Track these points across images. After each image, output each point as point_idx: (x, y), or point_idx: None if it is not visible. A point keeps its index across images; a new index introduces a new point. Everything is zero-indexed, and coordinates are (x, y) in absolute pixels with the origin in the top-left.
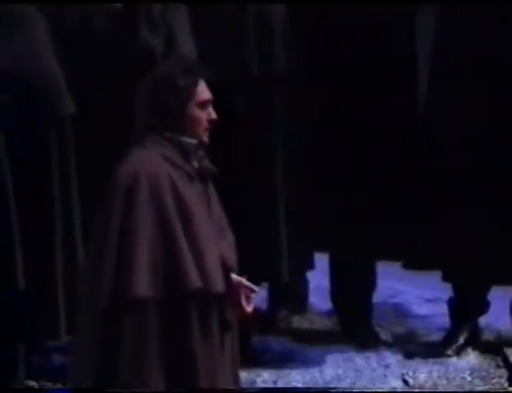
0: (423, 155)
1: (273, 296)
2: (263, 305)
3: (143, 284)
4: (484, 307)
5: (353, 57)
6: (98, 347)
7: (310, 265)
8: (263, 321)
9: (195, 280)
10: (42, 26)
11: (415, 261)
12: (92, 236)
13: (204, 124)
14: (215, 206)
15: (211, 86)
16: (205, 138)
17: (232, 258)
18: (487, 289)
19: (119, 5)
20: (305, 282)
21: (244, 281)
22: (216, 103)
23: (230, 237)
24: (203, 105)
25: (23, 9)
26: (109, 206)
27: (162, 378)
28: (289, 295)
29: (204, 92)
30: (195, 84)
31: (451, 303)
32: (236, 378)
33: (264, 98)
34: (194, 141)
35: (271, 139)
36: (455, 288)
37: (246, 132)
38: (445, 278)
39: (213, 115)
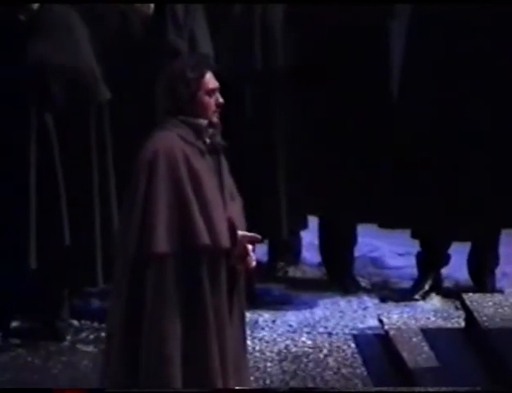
0: (394, 125)
1: (272, 250)
2: (264, 258)
3: (162, 241)
4: (445, 259)
5: (351, 54)
6: (126, 295)
7: (304, 225)
8: (264, 271)
9: (204, 237)
10: (82, 26)
11: (388, 221)
12: (124, 201)
13: (212, 108)
14: (226, 175)
15: (218, 77)
16: (214, 119)
17: (241, 219)
18: (447, 244)
19: (150, 10)
20: (299, 239)
21: (247, 233)
22: (225, 93)
23: (239, 201)
24: (210, 92)
25: (65, 11)
26: (135, 177)
27: (178, 324)
28: (286, 249)
29: (210, 81)
30: (202, 76)
31: (419, 256)
32: (242, 321)
33: (266, 88)
34: (204, 122)
35: (273, 115)
36: (422, 244)
37: (251, 111)
38: (413, 235)
39: (220, 100)
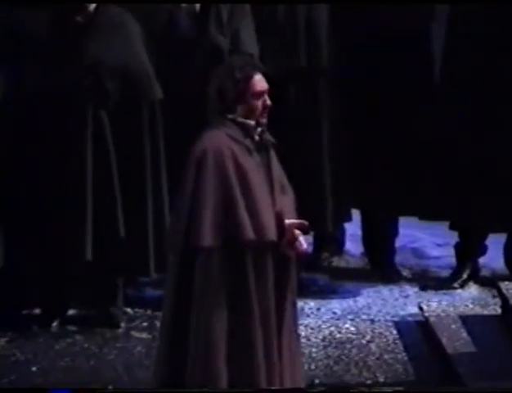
0: (434, 123)
1: (317, 241)
2: (309, 249)
3: (208, 235)
4: (483, 250)
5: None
6: (174, 286)
7: (348, 217)
8: (309, 261)
9: (248, 232)
10: (135, 26)
11: (428, 214)
12: (176, 196)
13: (259, 109)
14: (276, 170)
15: (268, 78)
16: (262, 120)
17: (292, 211)
18: (484, 236)
19: (196, 7)
20: (343, 230)
21: (294, 221)
22: (272, 91)
23: (290, 193)
24: (258, 94)
25: (119, 12)
26: (185, 174)
27: (225, 316)
28: (330, 240)
29: (258, 83)
30: (250, 77)
31: (457, 247)
32: (294, 309)
33: (311, 87)
34: (252, 122)
35: (317, 113)
36: (460, 235)
37: (296, 111)
38: (452, 227)
39: (268, 102)
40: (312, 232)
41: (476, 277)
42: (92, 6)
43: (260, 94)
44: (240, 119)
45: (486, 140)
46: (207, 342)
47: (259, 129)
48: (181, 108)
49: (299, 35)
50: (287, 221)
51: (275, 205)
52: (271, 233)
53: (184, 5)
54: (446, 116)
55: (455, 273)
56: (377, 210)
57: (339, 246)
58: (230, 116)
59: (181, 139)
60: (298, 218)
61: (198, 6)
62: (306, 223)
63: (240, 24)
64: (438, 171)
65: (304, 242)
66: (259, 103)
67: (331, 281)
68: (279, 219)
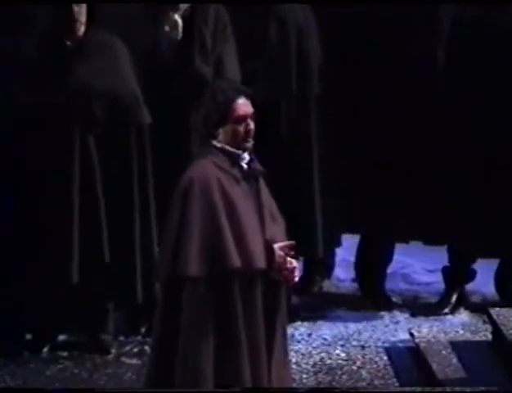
0: (432, 152)
1: (308, 266)
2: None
3: (194, 265)
4: (471, 275)
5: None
6: (161, 315)
7: (338, 243)
8: (301, 285)
9: (235, 261)
10: (124, 50)
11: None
12: (164, 226)
13: (242, 134)
14: (266, 199)
15: (255, 102)
16: (246, 146)
17: (283, 238)
18: (472, 260)
19: (179, 35)
20: (333, 255)
21: (281, 243)
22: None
23: (281, 222)
24: (240, 118)
25: (108, 36)
26: (172, 204)
27: (212, 345)
28: (321, 264)
29: (241, 107)
30: (232, 100)
31: (445, 271)
32: (284, 335)
33: (302, 113)
34: (238, 151)
35: (309, 143)
36: (449, 259)
37: (287, 135)
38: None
39: (250, 127)
40: (302, 257)
41: (465, 303)
42: (82, 29)
43: (243, 118)
44: (227, 148)
45: (480, 166)
46: (194, 369)
47: (247, 158)
48: (165, 136)
49: (291, 61)
50: (276, 245)
51: (265, 233)
52: (260, 261)
53: (167, 29)
54: (447, 145)
55: (444, 298)
56: (376, 234)
57: (328, 270)
58: (217, 145)
59: (166, 166)
60: None
61: (180, 32)
62: (293, 243)
63: (224, 50)
64: (435, 196)
65: (296, 264)
66: (240, 128)
67: (322, 307)
68: (269, 246)
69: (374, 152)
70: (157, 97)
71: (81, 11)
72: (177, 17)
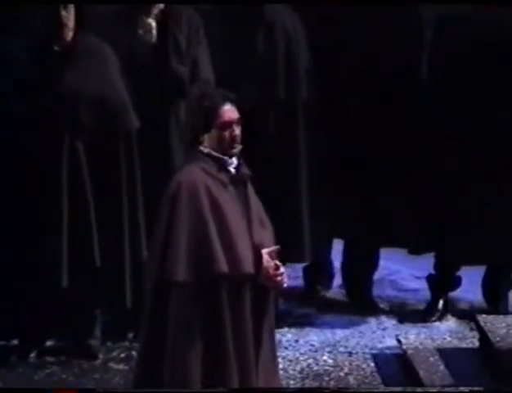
0: (413, 159)
1: (308, 276)
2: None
3: (181, 270)
4: (456, 282)
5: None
6: (148, 319)
7: (327, 248)
8: (303, 294)
9: (222, 266)
10: (113, 56)
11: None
12: (152, 231)
13: (227, 140)
14: (254, 203)
15: (242, 108)
16: (233, 152)
17: (271, 243)
18: (457, 268)
19: (153, 38)
20: (331, 264)
21: (270, 248)
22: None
23: (269, 227)
24: (225, 124)
25: (99, 45)
26: (160, 209)
27: (199, 349)
28: (321, 274)
29: (226, 113)
30: (218, 106)
31: (430, 278)
32: (272, 341)
33: (289, 118)
34: (225, 157)
35: (296, 148)
36: (434, 267)
37: (275, 139)
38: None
39: (235, 133)
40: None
41: (452, 310)
42: (70, 34)
43: (228, 124)
44: (214, 154)
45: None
46: (182, 374)
47: (235, 162)
48: (147, 139)
49: (278, 66)
50: (264, 250)
51: (253, 237)
52: (248, 266)
53: (141, 33)
54: (431, 151)
55: (431, 306)
56: (358, 239)
57: (329, 279)
58: (204, 150)
59: (153, 171)
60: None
61: (155, 35)
62: (279, 247)
63: (198, 51)
64: (421, 208)
65: (283, 270)
66: (226, 134)
67: (309, 313)
68: (257, 251)
69: (361, 158)
70: (136, 100)
71: (69, 16)
72: (150, 20)
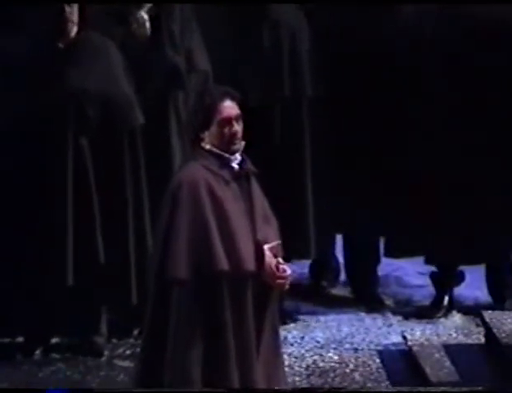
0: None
1: (314, 272)
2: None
3: (182, 267)
4: (460, 278)
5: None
6: (150, 317)
7: (331, 244)
8: (309, 289)
9: (222, 263)
10: (117, 55)
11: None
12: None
13: (227, 136)
14: (258, 200)
15: (244, 105)
16: (233, 148)
17: (275, 239)
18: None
19: (147, 32)
20: (337, 260)
21: (271, 244)
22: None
23: (274, 223)
24: (224, 121)
25: (101, 38)
26: (162, 207)
27: (200, 346)
28: (326, 270)
29: (225, 109)
30: (217, 102)
31: (433, 276)
32: (275, 338)
33: (294, 115)
34: (226, 154)
35: (301, 144)
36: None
37: (280, 136)
38: (427, 262)
39: (234, 129)
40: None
41: (458, 306)
42: (74, 30)
43: (227, 120)
44: (215, 150)
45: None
46: (183, 372)
47: (238, 159)
48: (149, 134)
49: (284, 63)
50: (265, 246)
51: (256, 234)
52: (249, 263)
53: (134, 27)
54: (427, 153)
55: (435, 302)
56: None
57: (335, 276)
58: (205, 147)
59: (157, 165)
60: (282, 245)
61: (148, 29)
62: (279, 242)
63: (192, 42)
64: (410, 210)
65: (288, 271)
66: (226, 130)
67: (315, 309)
68: (260, 248)
69: (366, 155)
70: (135, 94)
71: (72, 11)
72: (143, 14)
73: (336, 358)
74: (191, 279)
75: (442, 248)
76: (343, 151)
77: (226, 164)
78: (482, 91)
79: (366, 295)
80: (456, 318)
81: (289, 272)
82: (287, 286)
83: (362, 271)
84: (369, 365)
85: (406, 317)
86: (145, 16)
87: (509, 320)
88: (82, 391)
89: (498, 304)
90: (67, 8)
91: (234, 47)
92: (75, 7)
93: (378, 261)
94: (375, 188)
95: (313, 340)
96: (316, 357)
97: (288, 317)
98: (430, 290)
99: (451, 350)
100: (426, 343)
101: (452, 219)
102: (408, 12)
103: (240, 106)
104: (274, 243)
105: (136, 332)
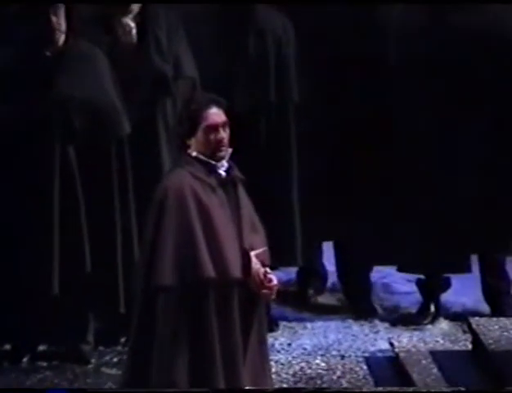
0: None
1: (302, 277)
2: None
3: (168, 274)
4: (446, 284)
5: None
6: (136, 323)
7: (318, 252)
8: (296, 297)
9: (208, 270)
10: (104, 61)
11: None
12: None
13: (213, 144)
14: (245, 207)
15: (230, 112)
16: (219, 155)
17: (262, 247)
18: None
19: (134, 39)
20: (324, 268)
21: (257, 250)
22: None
23: (261, 231)
24: (210, 128)
25: (91, 50)
26: (148, 214)
27: (186, 354)
28: (313, 277)
29: (211, 116)
30: (203, 109)
31: (419, 283)
32: (262, 345)
33: (281, 122)
34: (212, 161)
35: (288, 151)
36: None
37: (266, 145)
38: (399, 270)
39: (220, 136)
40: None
41: (445, 312)
42: (61, 39)
43: (213, 127)
44: (201, 157)
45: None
46: (169, 379)
47: (225, 165)
48: (134, 141)
49: (269, 70)
50: (252, 253)
51: (242, 242)
52: (235, 270)
53: (120, 34)
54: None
55: (422, 309)
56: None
57: (322, 283)
58: (192, 154)
59: (143, 173)
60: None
61: (135, 35)
62: (265, 248)
63: (179, 48)
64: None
65: (275, 281)
66: (212, 137)
67: (302, 316)
68: (246, 256)
69: (353, 161)
70: (123, 102)
71: (60, 20)
72: (129, 22)
73: (323, 365)
74: (177, 286)
75: (413, 257)
76: (329, 158)
77: (212, 170)
78: (465, 102)
79: (358, 302)
80: (443, 324)
81: (275, 282)
82: (273, 297)
83: (353, 277)
84: (356, 372)
85: (394, 323)
86: (132, 24)
87: (495, 327)
88: (79, 391)
89: (494, 310)
90: (53, 18)
91: (220, 53)
92: (62, 16)
93: (369, 268)
94: (362, 195)
95: (300, 347)
96: (303, 364)
97: (275, 324)
98: (418, 297)
99: (437, 356)
100: (413, 350)
101: (433, 227)
102: (395, 17)
103: (227, 112)
104: (260, 250)
105: (123, 340)
